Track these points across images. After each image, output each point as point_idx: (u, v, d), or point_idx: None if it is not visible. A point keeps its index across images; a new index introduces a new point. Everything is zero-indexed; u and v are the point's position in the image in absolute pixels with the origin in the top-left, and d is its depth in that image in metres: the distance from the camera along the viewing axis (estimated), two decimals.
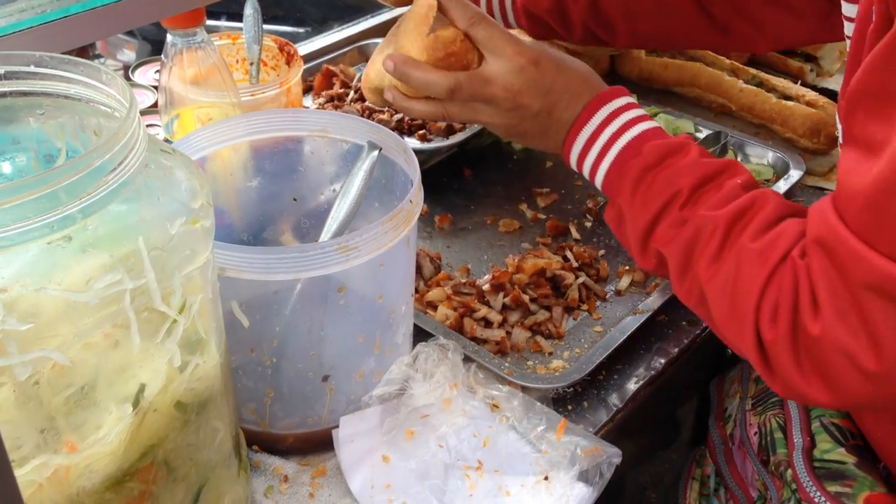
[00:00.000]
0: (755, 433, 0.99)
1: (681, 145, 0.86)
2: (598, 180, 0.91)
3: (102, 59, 3.29)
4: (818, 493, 0.82)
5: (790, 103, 1.37)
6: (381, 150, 0.92)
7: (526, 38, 0.98)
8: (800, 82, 1.46)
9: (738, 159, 1.37)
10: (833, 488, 0.82)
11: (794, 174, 1.29)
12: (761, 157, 1.35)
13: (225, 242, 0.98)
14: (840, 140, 0.75)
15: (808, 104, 1.36)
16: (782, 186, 1.27)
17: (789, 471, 0.87)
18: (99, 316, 0.57)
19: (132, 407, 0.62)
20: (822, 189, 1.33)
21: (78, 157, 0.54)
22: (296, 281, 0.78)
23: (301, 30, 2.42)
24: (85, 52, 3.26)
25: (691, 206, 0.81)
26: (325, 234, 0.91)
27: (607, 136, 0.89)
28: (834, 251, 0.67)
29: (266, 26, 2.34)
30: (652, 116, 1.40)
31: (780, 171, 1.32)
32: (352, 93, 1.45)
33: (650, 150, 0.85)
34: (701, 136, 1.40)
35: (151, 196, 0.60)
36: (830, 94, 1.45)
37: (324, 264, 0.76)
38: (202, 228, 0.63)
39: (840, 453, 0.85)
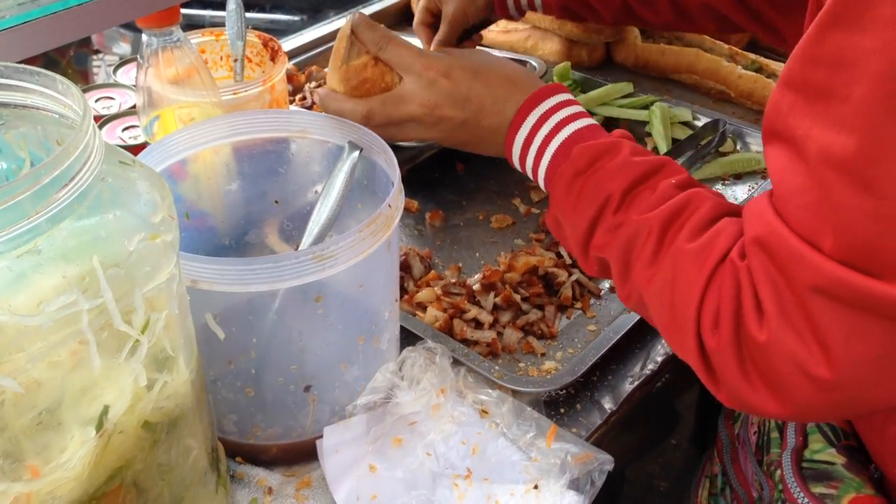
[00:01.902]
0: (755, 432, 0.96)
1: (611, 145, 0.81)
2: (542, 186, 0.88)
3: (100, 54, 3.28)
4: (801, 494, 0.79)
5: None
6: (361, 150, 0.90)
7: (451, 50, 0.97)
8: None
9: (738, 147, 1.34)
10: (818, 489, 0.79)
11: None
12: (761, 144, 1.32)
13: (206, 247, 0.98)
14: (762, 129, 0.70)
15: None
16: None
17: (778, 471, 0.84)
18: (54, 338, 0.54)
19: (95, 430, 0.59)
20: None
21: (25, 173, 0.52)
22: (274, 291, 0.76)
23: (295, 18, 2.40)
24: (85, 44, 3.24)
25: (624, 209, 0.77)
26: (307, 238, 0.88)
27: (540, 141, 0.86)
28: (775, 252, 0.63)
29: (259, 15, 2.32)
30: (648, 105, 1.38)
31: None
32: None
33: (579, 153, 0.81)
34: (699, 123, 1.37)
35: (108, 211, 0.57)
36: None
37: (300, 274, 0.74)
38: (163, 243, 0.60)
39: (830, 454, 0.82)
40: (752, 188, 1.27)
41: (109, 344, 0.58)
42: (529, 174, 0.88)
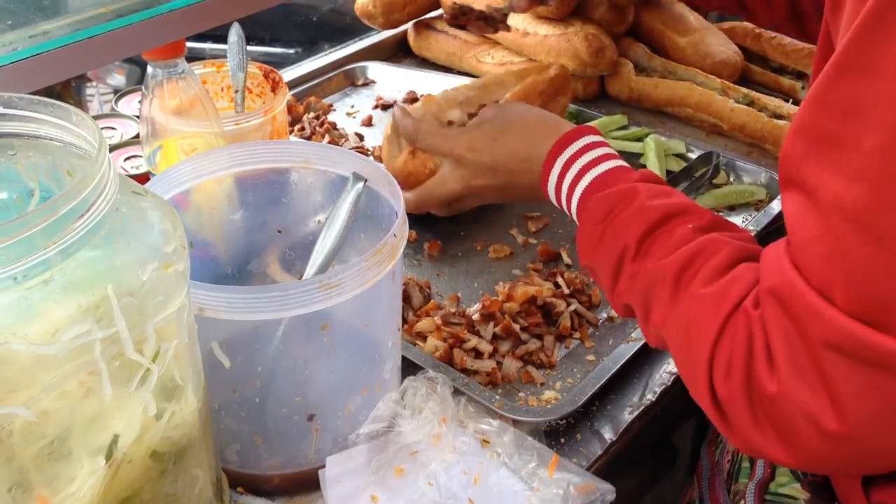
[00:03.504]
0: (728, 460, 0.97)
1: (625, 193, 0.82)
2: (573, 214, 0.92)
3: (94, 84, 3.28)
4: None
5: (782, 122, 1.35)
6: (366, 181, 0.91)
7: (463, 118, 1.04)
8: (791, 101, 1.44)
9: (731, 179, 1.36)
10: None
11: None
12: (754, 176, 1.34)
13: (208, 277, 0.97)
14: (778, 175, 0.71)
15: None
16: (776, 207, 1.25)
17: (742, 501, 0.84)
18: (67, 368, 0.55)
19: (105, 459, 0.60)
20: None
21: (43, 204, 0.52)
22: (279, 320, 0.76)
23: (291, 51, 2.42)
24: (80, 75, 3.25)
25: (641, 257, 0.78)
26: (311, 268, 0.89)
27: (566, 192, 0.90)
28: (790, 304, 0.63)
29: (256, 48, 2.34)
30: (643, 137, 1.40)
31: (774, 192, 1.30)
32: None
33: (596, 204, 0.83)
34: (693, 156, 1.39)
35: (122, 241, 0.58)
36: None
37: (306, 302, 0.74)
38: (175, 273, 0.61)
39: (795, 488, 0.82)
40: (746, 219, 1.28)
41: (120, 373, 0.59)
42: (565, 208, 0.93)
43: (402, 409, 0.88)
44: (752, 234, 1.20)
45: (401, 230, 0.82)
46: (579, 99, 1.56)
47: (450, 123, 1.05)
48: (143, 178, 1.05)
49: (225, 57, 1.21)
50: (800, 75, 1.51)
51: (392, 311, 0.87)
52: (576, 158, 0.88)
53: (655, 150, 1.35)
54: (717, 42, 1.54)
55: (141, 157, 1.19)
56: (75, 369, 0.55)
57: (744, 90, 1.46)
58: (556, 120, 0.93)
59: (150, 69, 0.99)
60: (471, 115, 1.08)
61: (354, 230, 0.93)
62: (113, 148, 1.18)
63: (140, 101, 1.06)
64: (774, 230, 1.25)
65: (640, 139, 1.41)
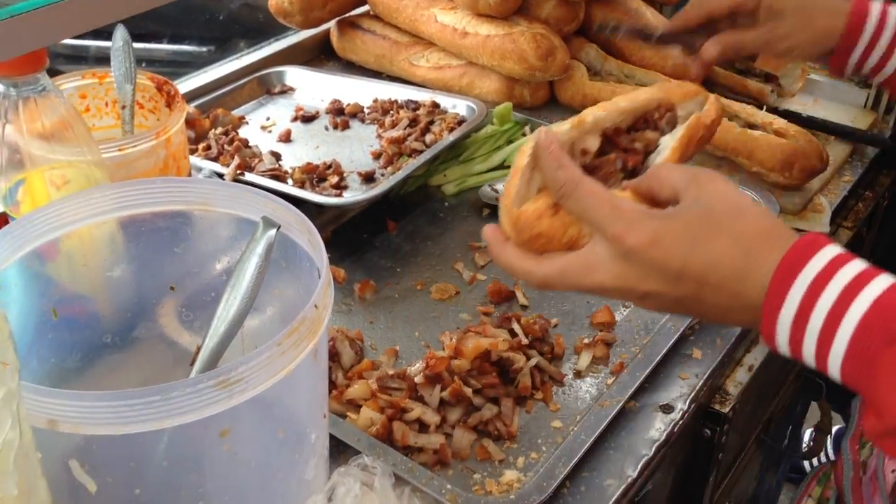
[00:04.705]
0: (893, 470, 0.86)
1: None
2: (833, 372, 0.62)
3: None
4: None
5: (756, 133, 1.20)
6: (279, 227, 0.72)
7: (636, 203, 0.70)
8: (765, 108, 1.30)
9: None
10: None
11: None
12: None
13: (83, 346, 0.78)
14: None
15: (777, 133, 1.20)
16: None
17: None
18: None
19: None
20: (798, 230, 1.16)
21: None
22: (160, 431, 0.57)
23: (203, 49, 2.20)
24: None
25: None
26: (210, 339, 0.70)
27: (821, 323, 0.61)
28: None
29: (162, 46, 2.10)
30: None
31: None
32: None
33: None
34: None
35: None
36: (797, 119, 1.30)
37: (198, 406, 0.56)
38: None
39: None
40: None
41: None
42: (808, 361, 0.64)
43: None
44: None
45: (324, 297, 0.64)
46: (526, 106, 1.39)
47: (583, 154, 0.75)
48: (2, 221, 0.84)
49: (109, 68, 1.01)
50: (768, 77, 1.37)
51: (315, 399, 0.68)
52: (826, 280, 0.61)
53: None
54: None
55: None
56: None
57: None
58: (778, 226, 0.66)
59: (1, 87, 0.79)
60: (604, 141, 0.76)
61: (268, 285, 0.74)
62: None
63: None
64: None
65: None
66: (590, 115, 0.74)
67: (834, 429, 1.98)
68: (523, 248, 0.70)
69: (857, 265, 0.61)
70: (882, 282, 0.60)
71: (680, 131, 0.76)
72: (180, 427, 0.57)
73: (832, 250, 0.62)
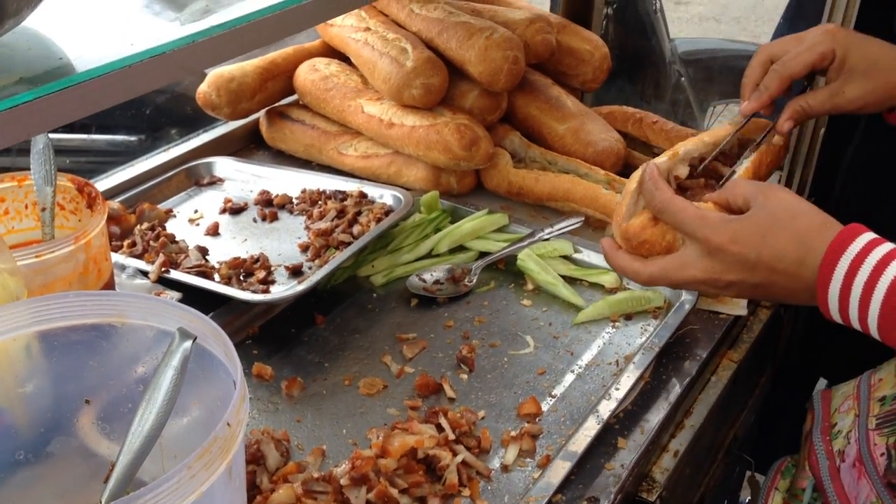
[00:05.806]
0: (881, 454, 0.95)
1: None
2: (872, 330, 0.80)
3: None
4: None
5: None
6: (195, 339, 0.71)
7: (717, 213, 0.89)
8: None
9: (625, 283, 1.23)
10: None
11: (688, 300, 1.15)
12: None
13: None
14: None
15: None
16: (672, 319, 1.12)
17: None
18: None
19: None
20: (718, 314, 1.19)
21: None
22: None
23: (133, 139, 2.20)
24: None
25: None
26: (125, 456, 0.68)
27: (860, 289, 0.79)
28: None
29: (95, 137, 2.09)
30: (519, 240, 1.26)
31: (673, 298, 1.18)
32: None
33: None
34: (582, 257, 1.26)
35: None
36: None
37: None
38: None
39: None
40: (645, 330, 1.15)
41: None
42: (856, 326, 0.82)
43: None
44: (655, 349, 1.07)
45: (238, 414, 0.64)
46: (454, 193, 1.41)
47: (676, 179, 0.98)
48: None
49: (29, 171, 1.00)
50: None
51: None
52: (861, 260, 0.79)
53: (535, 262, 1.22)
54: (597, 129, 1.43)
55: None
56: None
57: None
58: (829, 223, 0.84)
59: None
60: (692, 168, 1.01)
61: (185, 396, 0.73)
62: None
63: None
64: (676, 342, 1.13)
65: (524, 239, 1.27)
66: (681, 147, 1.00)
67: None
68: (632, 254, 0.92)
69: (886, 247, 0.79)
70: None
71: (752, 156, 1.03)
72: None
73: (867, 236, 0.80)
